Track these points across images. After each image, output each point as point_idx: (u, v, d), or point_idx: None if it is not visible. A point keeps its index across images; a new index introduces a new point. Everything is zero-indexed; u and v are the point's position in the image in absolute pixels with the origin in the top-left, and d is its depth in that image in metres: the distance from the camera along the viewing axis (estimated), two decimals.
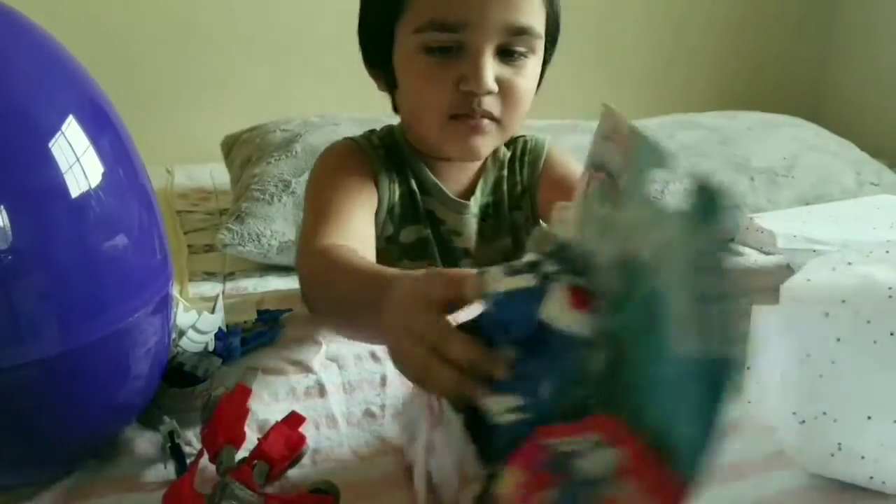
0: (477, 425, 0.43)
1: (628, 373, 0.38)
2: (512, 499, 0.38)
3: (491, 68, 0.74)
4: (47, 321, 0.47)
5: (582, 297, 0.40)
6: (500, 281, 0.42)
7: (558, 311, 0.40)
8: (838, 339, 0.53)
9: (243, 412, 0.55)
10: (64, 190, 0.47)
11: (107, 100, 0.54)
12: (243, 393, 0.56)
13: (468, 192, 0.88)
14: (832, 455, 0.52)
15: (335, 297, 0.67)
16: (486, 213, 0.91)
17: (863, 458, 0.51)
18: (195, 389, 0.62)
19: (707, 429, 0.34)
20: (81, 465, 0.55)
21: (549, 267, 0.42)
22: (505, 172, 0.91)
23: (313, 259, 0.71)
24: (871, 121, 1.84)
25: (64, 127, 0.48)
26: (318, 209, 0.77)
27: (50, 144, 0.47)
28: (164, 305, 0.56)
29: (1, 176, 0.45)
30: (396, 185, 0.84)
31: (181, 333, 0.68)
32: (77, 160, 0.48)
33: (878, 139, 1.65)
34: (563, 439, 0.38)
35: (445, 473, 0.44)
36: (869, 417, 0.52)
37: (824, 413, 0.53)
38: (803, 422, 0.53)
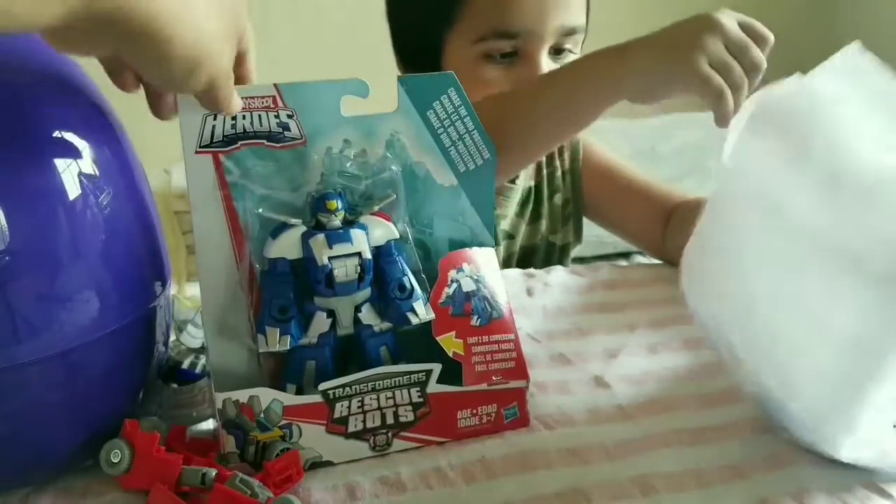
0: None
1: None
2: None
3: (547, 70, 0.80)
4: (44, 322, 0.47)
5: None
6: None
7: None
8: None
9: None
10: (61, 190, 0.47)
11: (104, 100, 0.54)
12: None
13: (512, 177, 0.92)
14: None
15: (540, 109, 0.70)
16: (527, 197, 0.94)
17: None
18: (193, 387, 0.62)
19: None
20: (79, 465, 0.55)
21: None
22: (544, 157, 0.95)
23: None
24: None
25: (61, 127, 0.48)
26: None
27: (47, 144, 0.47)
28: (163, 306, 0.56)
29: None
30: None
31: (180, 329, 0.68)
32: (74, 160, 0.48)
33: None
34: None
35: None
36: None
37: None
38: None
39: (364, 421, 0.55)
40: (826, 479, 0.54)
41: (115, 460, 0.50)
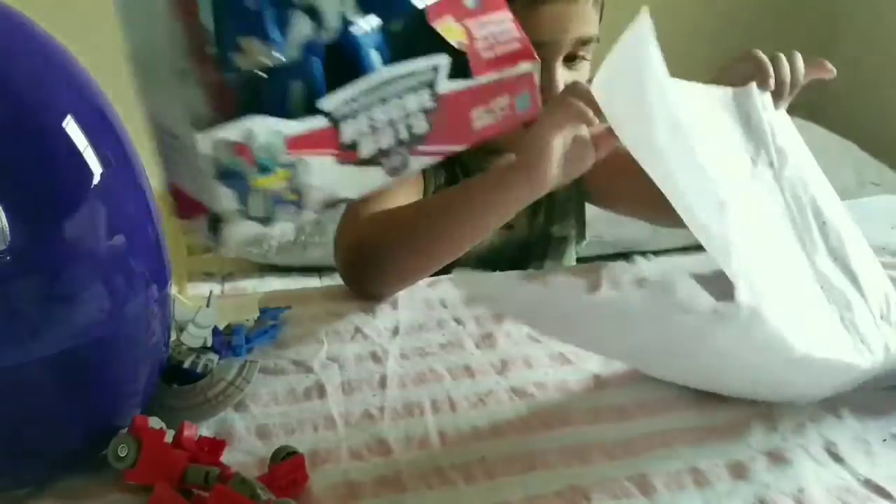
0: None
1: None
2: None
3: (562, 79, 0.84)
4: (44, 322, 0.47)
5: None
6: None
7: None
8: None
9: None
10: (63, 190, 0.47)
11: (107, 100, 0.54)
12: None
13: None
14: None
15: (430, 213, 0.77)
16: None
17: None
18: (195, 386, 0.62)
19: None
20: (79, 465, 0.55)
21: None
22: None
23: (364, 226, 0.80)
24: (872, 121, 1.84)
25: (63, 126, 0.48)
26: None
27: (49, 144, 0.47)
28: (163, 306, 0.56)
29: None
30: (443, 172, 0.93)
31: (181, 329, 0.69)
32: (76, 160, 0.48)
33: (879, 139, 1.65)
34: None
35: None
36: None
37: None
38: None
39: (376, 140, 0.48)
40: (826, 479, 0.54)
41: (122, 454, 0.51)
